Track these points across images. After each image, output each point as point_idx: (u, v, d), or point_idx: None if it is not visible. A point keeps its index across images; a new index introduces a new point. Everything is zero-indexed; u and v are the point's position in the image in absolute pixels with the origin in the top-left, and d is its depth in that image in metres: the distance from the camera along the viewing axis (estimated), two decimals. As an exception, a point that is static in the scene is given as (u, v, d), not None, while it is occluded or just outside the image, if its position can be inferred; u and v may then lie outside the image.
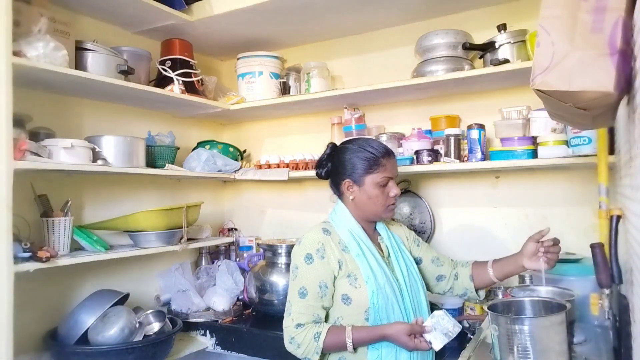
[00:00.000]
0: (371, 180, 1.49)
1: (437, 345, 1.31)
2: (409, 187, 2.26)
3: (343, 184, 1.53)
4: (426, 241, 2.21)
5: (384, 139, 2.13)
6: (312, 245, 1.45)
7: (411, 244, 1.67)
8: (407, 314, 1.45)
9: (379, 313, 1.40)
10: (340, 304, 1.44)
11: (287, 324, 1.43)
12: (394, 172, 1.54)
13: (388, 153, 1.53)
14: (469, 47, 1.93)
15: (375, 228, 1.61)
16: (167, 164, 2.16)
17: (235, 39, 2.45)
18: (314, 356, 1.38)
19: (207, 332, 2.20)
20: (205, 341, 2.18)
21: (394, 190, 1.52)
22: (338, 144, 1.63)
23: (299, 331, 1.39)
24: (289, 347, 1.42)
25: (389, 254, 1.55)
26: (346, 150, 1.54)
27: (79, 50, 1.84)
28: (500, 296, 1.90)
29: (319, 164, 1.61)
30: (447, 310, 1.99)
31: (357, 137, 1.58)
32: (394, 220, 1.75)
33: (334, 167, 1.57)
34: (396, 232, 1.65)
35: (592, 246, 1.20)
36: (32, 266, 1.53)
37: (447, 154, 1.97)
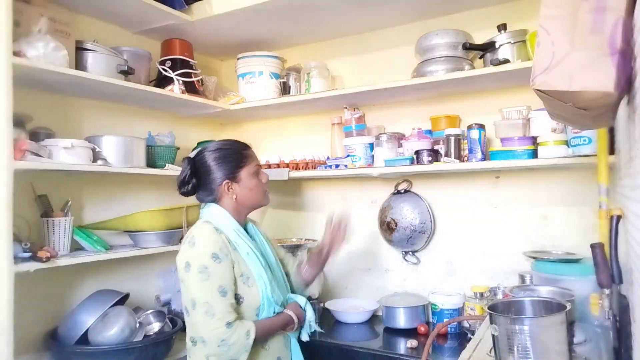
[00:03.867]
0: (246, 173, 1.56)
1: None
2: (409, 187, 2.26)
3: (222, 187, 1.53)
4: (426, 241, 2.22)
5: (384, 139, 2.13)
6: (214, 244, 1.42)
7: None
8: (284, 302, 1.56)
9: (270, 308, 1.47)
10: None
11: (214, 325, 1.34)
12: (259, 160, 1.64)
13: (246, 145, 1.62)
14: (469, 47, 1.93)
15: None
16: (167, 164, 2.16)
17: (235, 39, 2.45)
18: (243, 355, 1.37)
19: (207, 332, 2.19)
20: (205, 341, 2.17)
21: (265, 176, 1.63)
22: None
23: (231, 331, 1.35)
24: (218, 350, 1.35)
25: (261, 251, 1.59)
26: (208, 156, 1.55)
27: (79, 50, 1.84)
28: (500, 296, 1.90)
29: (183, 183, 1.56)
30: (447, 310, 2.01)
31: (206, 145, 1.63)
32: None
33: (201, 178, 1.55)
34: (258, 228, 1.69)
35: (592, 246, 1.20)
36: (32, 266, 1.53)
37: (447, 154, 1.97)
